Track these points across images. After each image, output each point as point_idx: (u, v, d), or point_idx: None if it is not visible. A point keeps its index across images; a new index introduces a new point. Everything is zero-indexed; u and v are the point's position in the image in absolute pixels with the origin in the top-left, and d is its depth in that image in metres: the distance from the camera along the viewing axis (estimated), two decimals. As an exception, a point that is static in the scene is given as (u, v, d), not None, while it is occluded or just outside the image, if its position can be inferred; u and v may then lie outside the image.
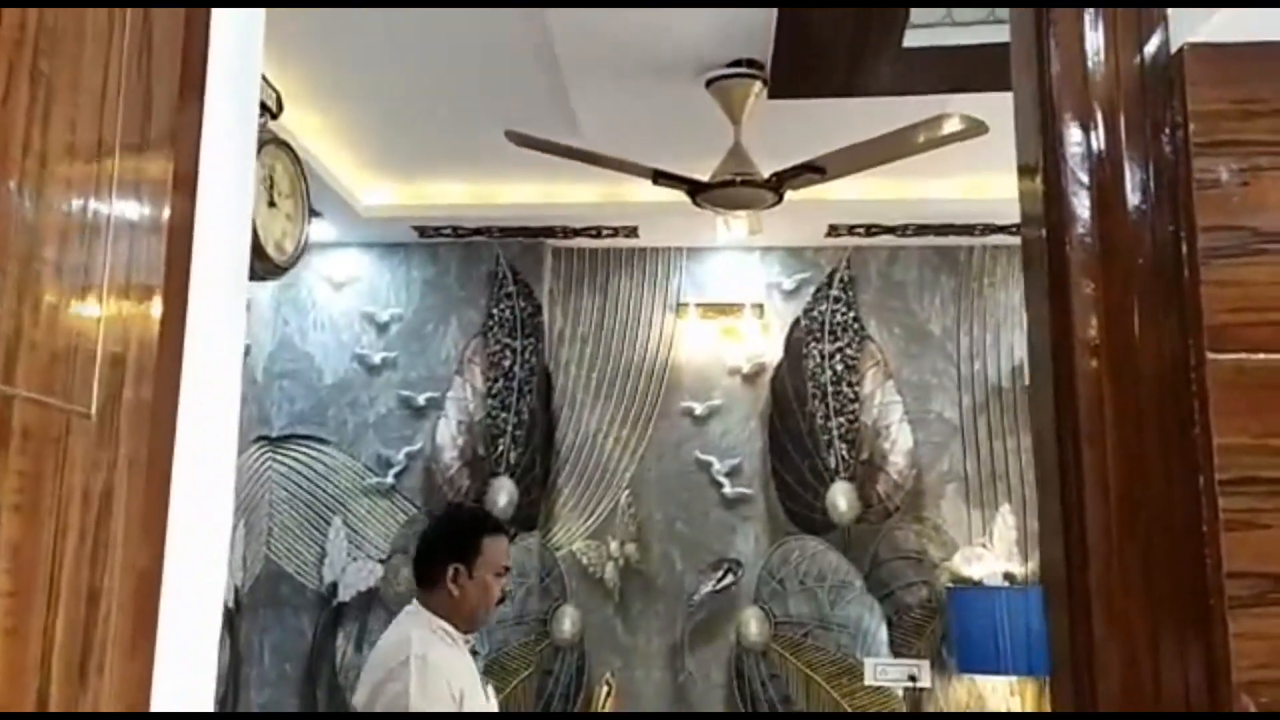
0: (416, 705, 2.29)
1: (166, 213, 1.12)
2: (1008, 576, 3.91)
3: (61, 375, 0.96)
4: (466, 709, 2.34)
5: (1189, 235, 1.04)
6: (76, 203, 0.95)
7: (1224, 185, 1.02)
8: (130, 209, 1.04)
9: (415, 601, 2.52)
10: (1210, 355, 1.00)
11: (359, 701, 2.39)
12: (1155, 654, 1.05)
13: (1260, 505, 0.97)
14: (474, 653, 2.53)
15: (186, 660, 1.36)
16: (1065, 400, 1.13)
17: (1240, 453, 0.98)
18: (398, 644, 2.40)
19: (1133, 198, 1.10)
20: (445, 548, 2.52)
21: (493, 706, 2.54)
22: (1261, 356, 1.00)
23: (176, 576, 1.26)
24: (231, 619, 3.83)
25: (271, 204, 1.78)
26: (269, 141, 1.80)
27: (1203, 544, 0.99)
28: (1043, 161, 1.12)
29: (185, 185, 1.20)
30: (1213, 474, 0.98)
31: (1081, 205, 1.12)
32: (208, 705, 1.45)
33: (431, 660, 2.33)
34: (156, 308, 1.10)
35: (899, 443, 4.10)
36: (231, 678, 3.83)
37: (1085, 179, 1.11)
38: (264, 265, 1.75)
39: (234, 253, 1.50)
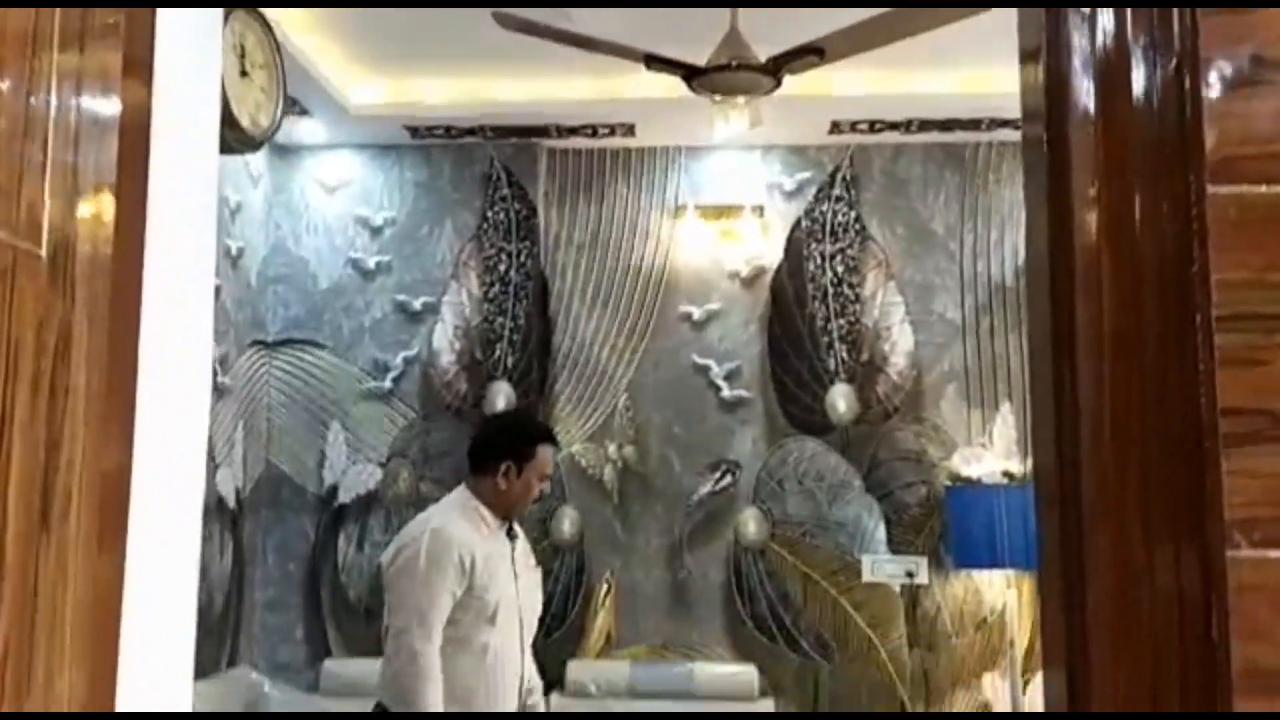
0: (422, 569, 2.52)
1: (118, 102, 1.07)
2: (1007, 475, 3.91)
3: (4, 208, 0.92)
4: (478, 580, 2.52)
5: (1191, 67, 0.99)
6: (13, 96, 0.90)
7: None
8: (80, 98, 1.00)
9: (464, 483, 2.73)
10: (1210, 189, 0.96)
11: (385, 560, 2.62)
12: (1146, 502, 1.02)
13: (1259, 341, 0.94)
14: (512, 536, 2.67)
15: (162, 514, 1.34)
16: (1060, 258, 1.09)
17: (1239, 288, 0.94)
18: (425, 518, 2.66)
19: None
20: (504, 445, 2.71)
21: (525, 590, 2.66)
22: (1263, 189, 0.95)
23: (150, 436, 1.24)
24: (234, 520, 3.86)
25: (244, 74, 1.72)
26: (238, 8, 1.73)
27: (1198, 386, 0.96)
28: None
29: (138, 73, 1.15)
30: (1210, 310, 0.95)
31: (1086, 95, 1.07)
32: (190, 555, 1.43)
33: (447, 532, 2.54)
34: (109, 203, 1.06)
35: (899, 344, 4.07)
36: (235, 578, 3.87)
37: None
38: (235, 135, 1.70)
39: (199, 139, 1.44)
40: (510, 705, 2.60)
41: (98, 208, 1.07)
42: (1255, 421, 0.94)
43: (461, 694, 2.54)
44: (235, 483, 3.87)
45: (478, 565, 2.55)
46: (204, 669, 3.59)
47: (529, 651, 2.69)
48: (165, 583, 1.31)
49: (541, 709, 2.80)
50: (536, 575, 2.79)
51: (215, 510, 3.71)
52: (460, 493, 2.73)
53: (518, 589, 2.65)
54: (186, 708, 1.43)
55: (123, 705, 1.17)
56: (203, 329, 1.45)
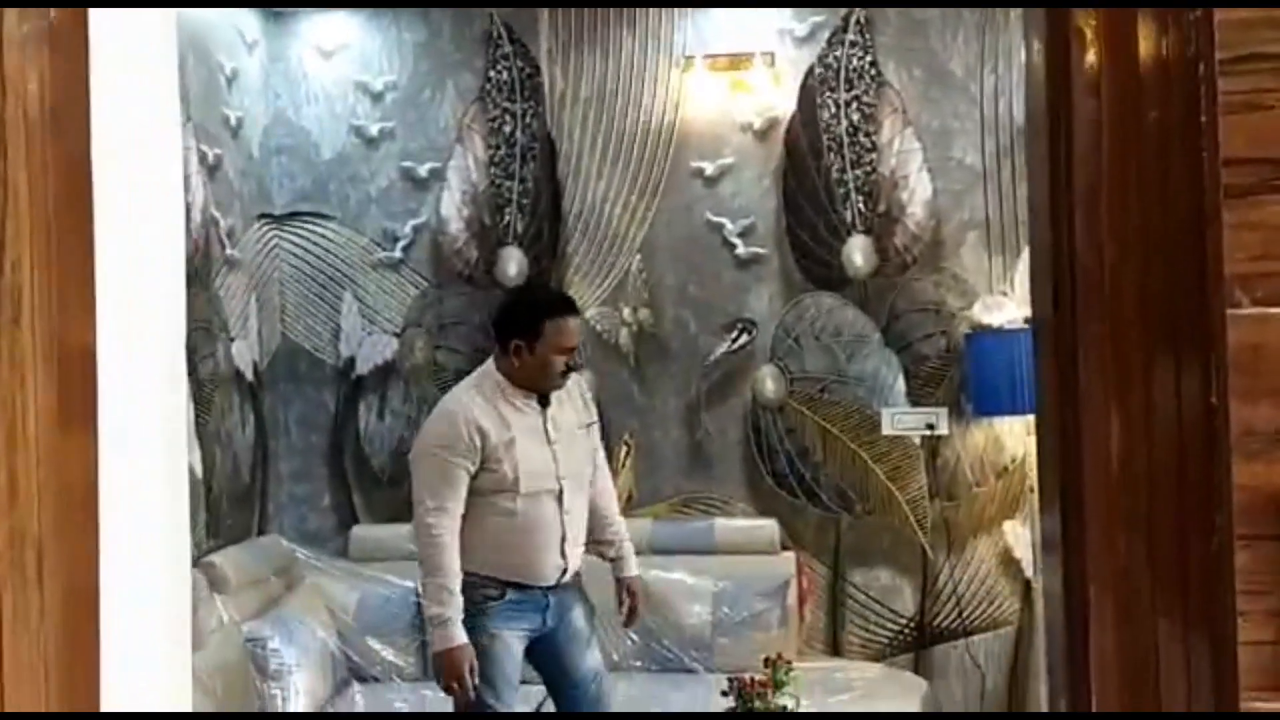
0: (433, 449, 2.76)
1: None
2: (1028, 321, 3.84)
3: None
4: (490, 454, 2.69)
5: None
6: None
7: None
8: None
9: (491, 356, 2.85)
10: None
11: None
12: (1143, 305, 0.97)
13: (1267, 84, 0.87)
14: (545, 404, 2.78)
15: (140, 391, 1.31)
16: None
17: (1243, 28, 0.87)
18: (444, 399, 2.91)
19: None
20: (511, 324, 2.78)
21: (566, 453, 2.77)
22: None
23: (118, 306, 1.18)
24: (254, 393, 3.89)
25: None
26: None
27: (1199, 136, 0.89)
28: None
29: None
30: (1213, 54, 0.87)
31: None
32: (174, 434, 1.41)
33: (455, 412, 2.75)
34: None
35: (918, 192, 3.96)
36: (259, 449, 3.92)
37: None
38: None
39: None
40: (549, 561, 2.76)
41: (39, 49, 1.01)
42: (1259, 171, 0.88)
43: (495, 554, 2.76)
44: (252, 356, 3.89)
45: (490, 440, 2.70)
46: (235, 536, 3.67)
47: (576, 510, 2.80)
48: (149, 465, 1.29)
49: (627, 558, 2.94)
50: (585, 436, 2.89)
51: (234, 383, 3.73)
52: (484, 367, 2.86)
53: (554, 454, 2.77)
54: (185, 594, 1.42)
55: (108, 595, 1.16)
56: (170, 181, 1.39)
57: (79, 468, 1.09)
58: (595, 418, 2.98)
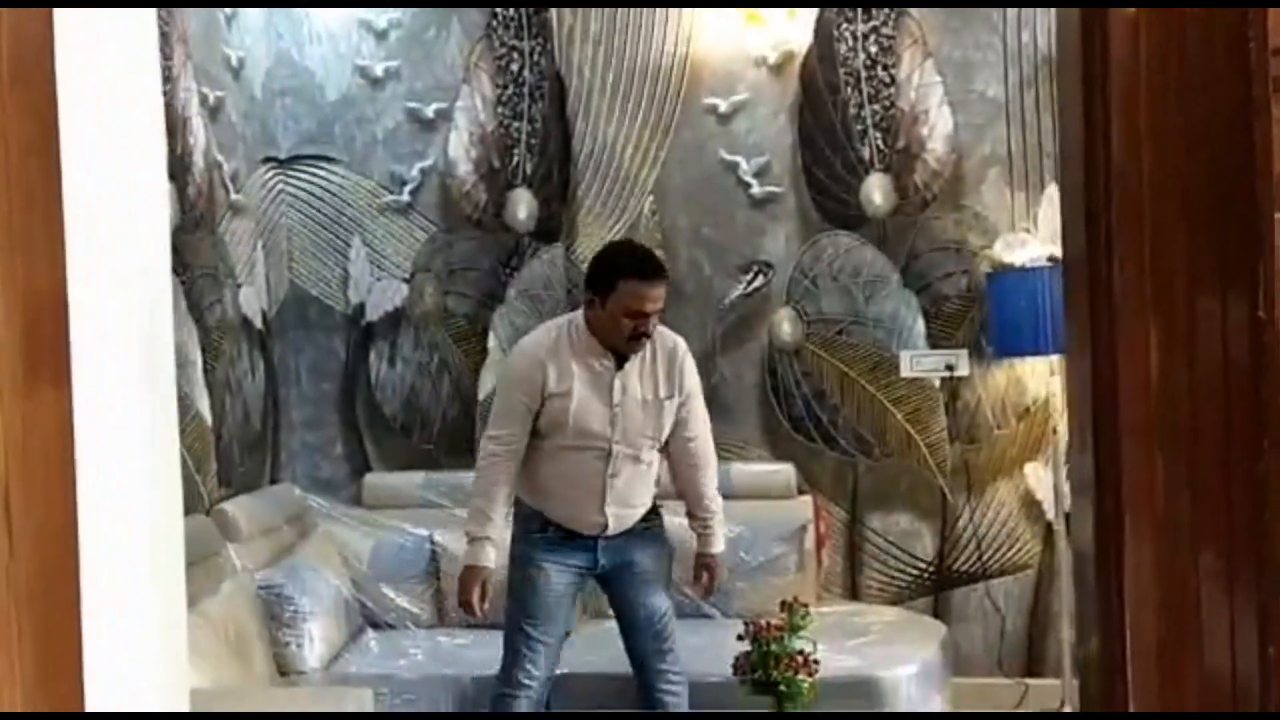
0: (503, 380, 3.00)
1: None
2: (1052, 260, 3.74)
3: None
4: (551, 394, 2.72)
5: None
6: None
7: None
8: None
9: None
10: None
11: None
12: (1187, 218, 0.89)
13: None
14: (619, 364, 2.75)
15: (119, 341, 1.25)
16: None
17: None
18: (537, 329, 3.00)
19: None
20: (592, 275, 2.79)
21: (629, 418, 2.75)
22: None
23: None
24: (263, 341, 3.84)
25: None
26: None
27: (1245, 25, 0.81)
28: None
29: None
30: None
31: None
32: (160, 385, 1.35)
33: (528, 349, 2.83)
34: None
35: (938, 127, 3.83)
36: (270, 397, 3.89)
37: None
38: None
39: None
40: (587, 515, 2.78)
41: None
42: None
43: (540, 494, 2.84)
44: (260, 304, 3.84)
45: (549, 383, 2.72)
46: (247, 484, 3.65)
47: (626, 474, 2.78)
48: (130, 413, 1.23)
49: (711, 537, 2.90)
50: (661, 407, 2.81)
51: (242, 330, 3.69)
52: (576, 312, 2.88)
53: (613, 416, 2.74)
54: (175, 542, 1.37)
55: (90, 545, 1.11)
56: (148, 121, 1.33)
57: (50, 416, 1.05)
58: (686, 391, 2.87)
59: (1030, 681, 3.81)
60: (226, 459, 3.53)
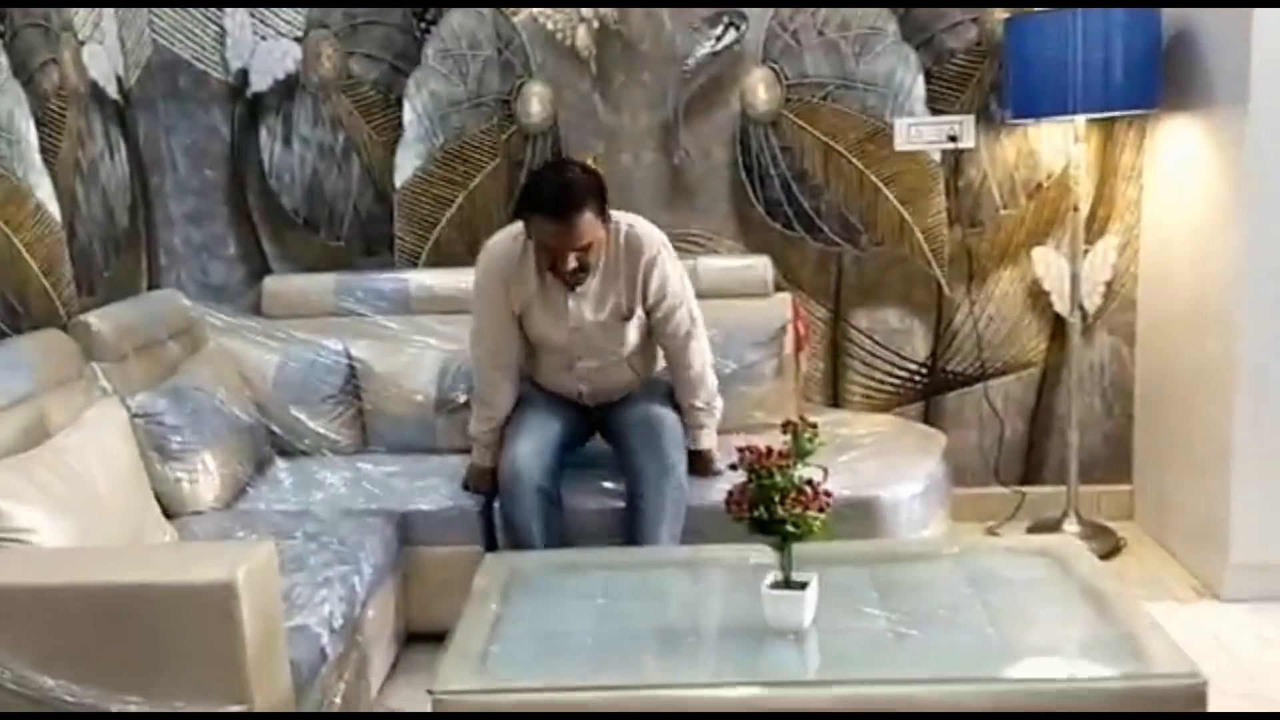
0: (477, 281, 2.72)
1: None
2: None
3: None
4: (515, 294, 2.64)
5: None
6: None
7: None
8: None
9: None
10: None
11: None
12: None
13: None
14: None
15: None
16: None
17: None
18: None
19: None
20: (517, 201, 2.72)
21: (584, 338, 2.67)
22: None
23: None
24: (121, 115, 3.11)
25: None
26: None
27: None
28: None
29: None
30: None
31: None
32: None
33: (494, 243, 2.70)
34: None
35: None
36: (138, 186, 3.19)
37: None
38: None
39: None
40: (568, 391, 2.78)
41: None
42: None
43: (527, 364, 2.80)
44: (114, 68, 3.08)
45: (511, 295, 2.64)
46: (119, 292, 3.01)
47: (605, 369, 2.73)
48: None
49: (700, 432, 2.78)
50: (621, 326, 2.69)
51: (91, 100, 2.95)
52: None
53: (576, 334, 2.66)
54: None
55: None
56: None
57: None
58: (655, 302, 2.67)
59: (1028, 489, 3.47)
60: (85, 261, 2.88)
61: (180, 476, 2.65)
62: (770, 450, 1.95)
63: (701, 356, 2.77)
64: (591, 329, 2.67)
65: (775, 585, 1.97)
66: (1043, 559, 2.25)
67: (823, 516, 1.91)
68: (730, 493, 1.96)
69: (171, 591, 1.84)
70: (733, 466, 1.97)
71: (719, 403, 2.83)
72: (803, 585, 1.96)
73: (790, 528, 1.89)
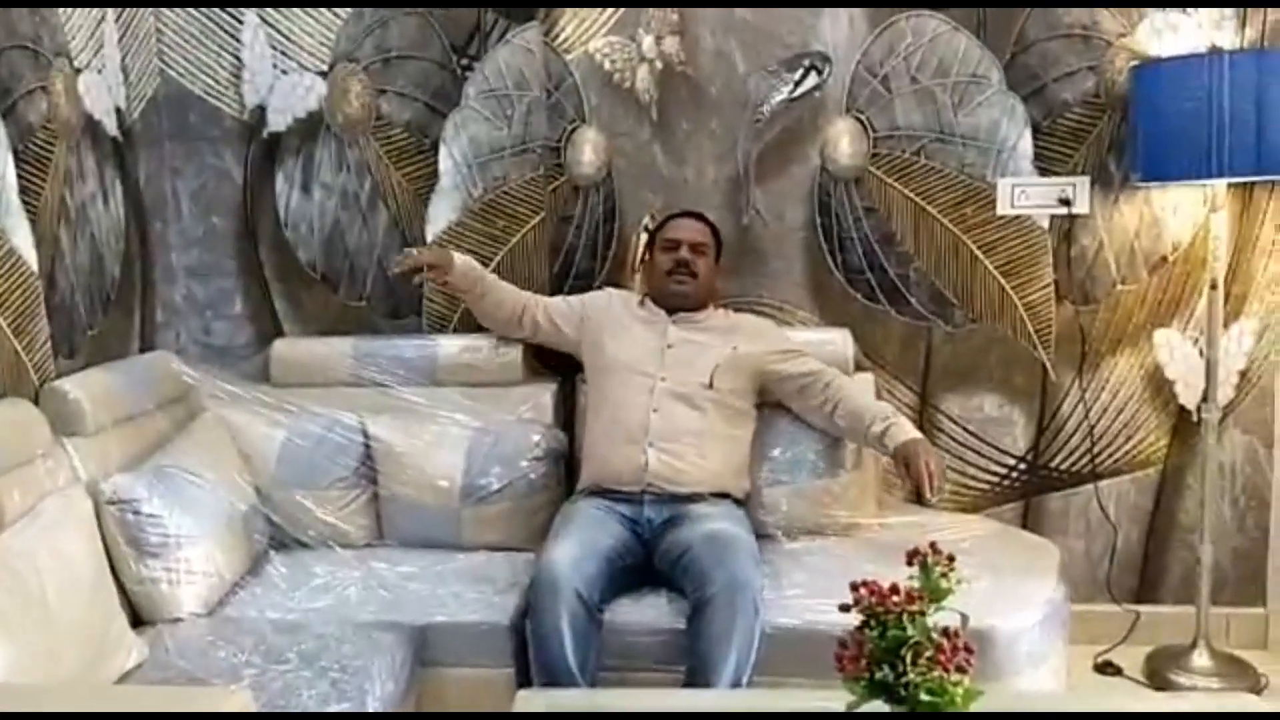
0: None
1: None
2: (1214, 50, 2.72)
3: None
4: (590, 340, 2.70)
5: None
6: None
7: None
8: None
9: None
10: None
11: None
12: None
13: None
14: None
15: None
16: None
17: None
18: None
19: None
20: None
21: (672, 375, 2.57)
22: None
23: None
24: (120, 154, 2.75)
25: None
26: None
27: None
28: None
29: None
30: None
31: None
32: None
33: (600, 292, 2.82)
34: None
35: None
36: (137, 234, 2.82)
37: None
38: None
39: None
40: (622, 448, 2.53)
41: None
42: None
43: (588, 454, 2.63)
44: (114, 100, 2.73)
45: (593, 320, 2.71)
46: (103, 354, 2.62)
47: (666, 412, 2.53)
48: None
49: (891, 427, 2.49)
50: (725, 352, 2.61)
51: (86, 136, 2.59)
52: None
53: (662, 354, 2.60)
54: None
55: None
56: None
57: None
58: (772, 349, 2.66)
59: (1143, 609, 2.98)
60: (66, 317, 2.49)
61: (159, 576, 2.23)
62: (895, 589, 1.50)
63: (857, 388, 2.66)
64: (685, 348, 2.59)
65: (895, 764, 1.51)
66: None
67: (966, 681, 1.45)
68: (842, 643, 1.50)
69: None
70: (843, 608, 1.52)
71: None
72: (935, 768, 1.49)
73: (926, 696, 1.43)
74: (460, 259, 2.70)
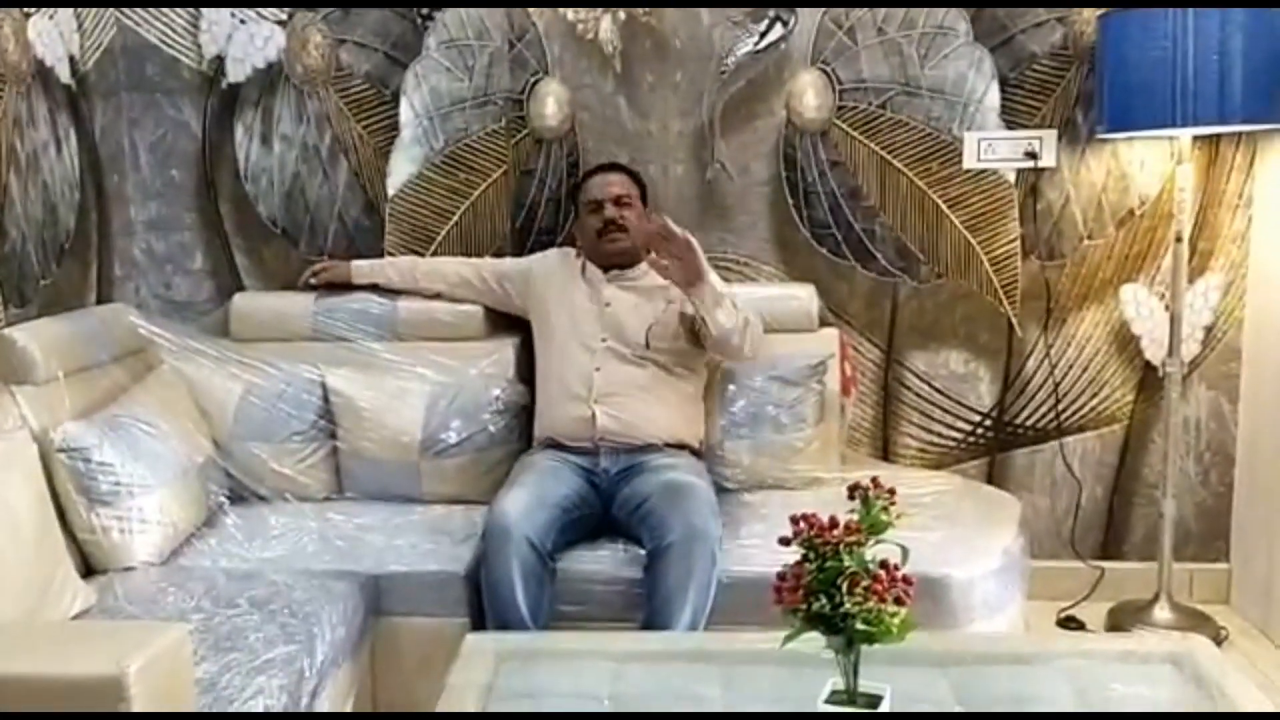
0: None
1: None
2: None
3: None
4: (534, 293, 2.70)
5: None
6: None
7: None
8: None
9: None
10: None
11: None
12: None
13: None
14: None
15: None
16: None
17: None
18: None
19: None
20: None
21: (610, 328, 2.56)
22: None
23: None
24: (73, 103, 2.71)
25: None
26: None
27: None
28: None
29: None
30: None
31: None
32: None
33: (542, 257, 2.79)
34: None
35: None
36: (93, 186, 2.79)
37: None
38: None
39: None
40: (570, 406, 2.52)
41: None
42: None
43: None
44: (67, 48, 2.69)
45: (538, 283, 2.69)
46: (59, 305, 2.59)
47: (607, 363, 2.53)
48: None
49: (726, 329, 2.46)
50: (648, 307, 2.58)
51: (37, 83, 2.55)
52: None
53: (600, 330, 2.56)
54: None
55: None
56: None
57: None
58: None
59: (1107, 565, 2.98)
60: (16, 265, 2.46)
61: (109, 525, 2.21)
62: (834, 522, 1.49)
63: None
64: (620, 307, 2.55)
65: (836, 697, 1.51)
66: (1170, 668, 1.77)
67: (903, 612, 1.45)
68: (780, 575, 1.49)
69: (46, 687, 1.40)
70: (783, 541, 1.51)
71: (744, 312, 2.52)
72: (873, 701, 1.49)
73: (861, 625, 1.43)
74: (358, 265, 2.79)
